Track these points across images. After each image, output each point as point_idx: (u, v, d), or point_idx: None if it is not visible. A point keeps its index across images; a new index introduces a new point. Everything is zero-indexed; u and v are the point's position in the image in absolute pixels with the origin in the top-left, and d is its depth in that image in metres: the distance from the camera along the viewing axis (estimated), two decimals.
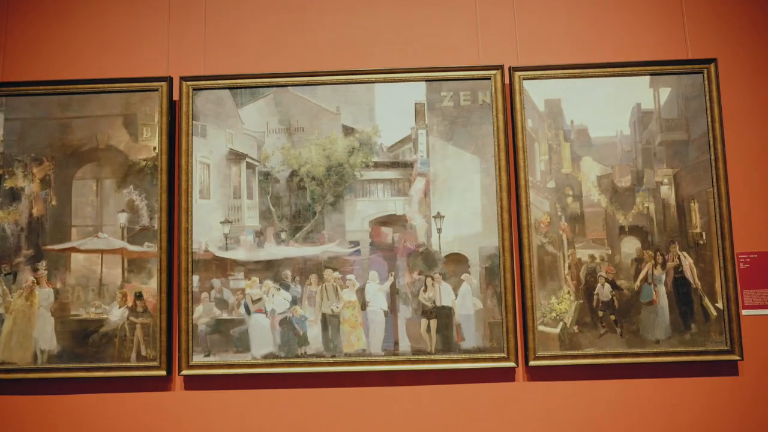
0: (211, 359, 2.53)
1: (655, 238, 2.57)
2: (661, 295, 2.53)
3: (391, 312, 2.55)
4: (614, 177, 2.60)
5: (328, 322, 2.55)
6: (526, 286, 2.53)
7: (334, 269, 2.57)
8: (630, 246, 2.56)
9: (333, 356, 2.52)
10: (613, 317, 2.52)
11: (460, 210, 2.59)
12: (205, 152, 2.64)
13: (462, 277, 2.54)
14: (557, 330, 2.52)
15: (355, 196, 2.62)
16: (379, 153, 2.63)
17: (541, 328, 2.52)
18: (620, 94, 2.62)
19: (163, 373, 2.50)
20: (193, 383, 2.55)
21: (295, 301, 2.56)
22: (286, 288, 2.57)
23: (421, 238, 2.58)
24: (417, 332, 2.53)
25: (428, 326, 2.53)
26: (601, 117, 2.62)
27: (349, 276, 2.57)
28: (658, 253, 2.55)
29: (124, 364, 2.52)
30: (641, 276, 2.54)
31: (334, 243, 2.59)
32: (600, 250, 2.56)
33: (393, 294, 2.56)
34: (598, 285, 2.54)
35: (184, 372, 2.51)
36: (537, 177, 2.61)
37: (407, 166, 2.63)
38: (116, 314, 2.54)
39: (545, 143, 2.63)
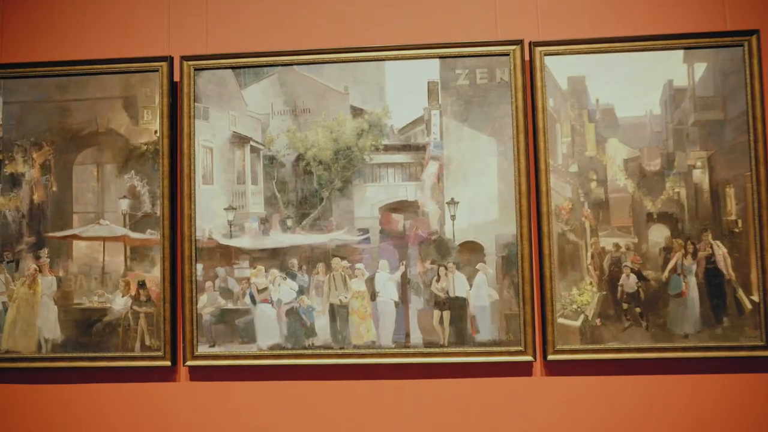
0: (216, 350, 2.46)
1: (685, 225, 2.41)
2: (691, 286, 2.38)
3: (402, 303, 2.45)
4: (642, 160, 2.44)
5: (337, 313, 2.46)
6: (545, 276, 2.40)
7: (343, 258, 2.47)
8: (658, 234, 2.41)
9: (341, 348, 2.44)
10: (638, 310, 2.39)
11: (476, 196, 2.45)
12: (208, 135, 2.54)
13: (477, 266, 2.43)
14: (578, 323, 2.40)
15: (364, 181, 2.50)
16: (389, 135, 2.50)
17: (560, 320, 2.40)
18: (650, 70, 2.44)
19: (168, 363, 2.45)
20: (198, 374, 2.50)
21: (301, 291, 2.47)
22: (293, 277, 2.48)
23: (433, 226, 2.46)
24: (429, 324, 2.43)
25: (441, 318, 2.43)
26: (629, 95, 2.44)
27: (358, 265, 2.46)
28: (689, 242, 2.40)
29: (128, 353, 2.47)
30: (670, 266, 2.40)
31: (342, 230, 2.48)
32: (625, 239, 2.42)
33: (404, 284, 2.45)
34: (623, 275, 2.40)
35: (189, 362, 2.46)
36: (558, 160, 2.45)
37: (419, 149, 2.49)
38: (119, 303, 2.49)
39: (568, 124, 2.47)
